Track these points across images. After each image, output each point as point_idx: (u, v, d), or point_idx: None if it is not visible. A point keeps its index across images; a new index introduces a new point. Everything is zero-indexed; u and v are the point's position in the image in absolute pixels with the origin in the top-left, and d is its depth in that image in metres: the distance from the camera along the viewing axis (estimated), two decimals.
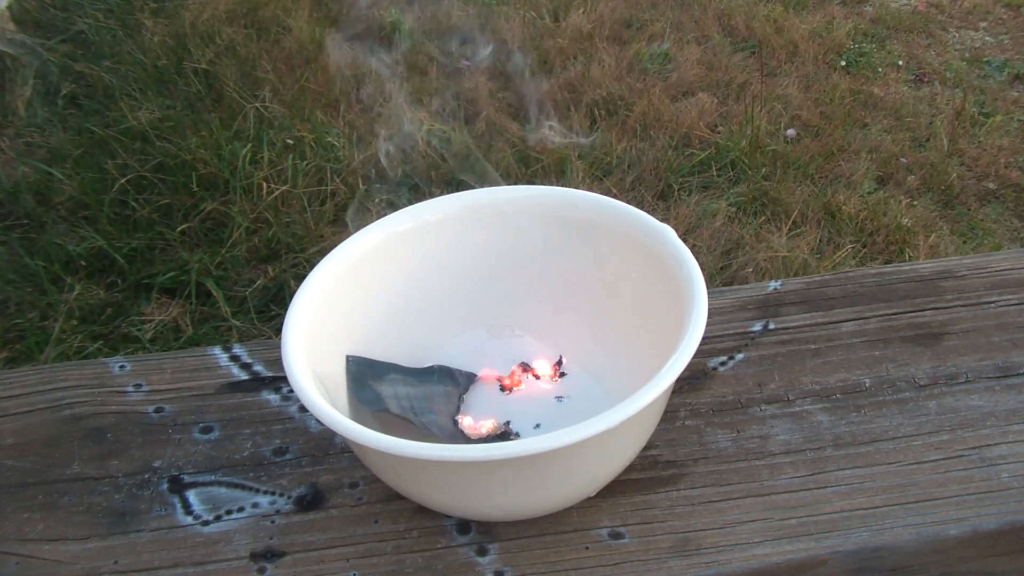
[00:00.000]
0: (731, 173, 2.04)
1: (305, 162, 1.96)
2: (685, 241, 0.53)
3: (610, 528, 0.48)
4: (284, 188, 1.89)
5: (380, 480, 0.49)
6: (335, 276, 0.53)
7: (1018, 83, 2.41)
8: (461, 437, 0.52)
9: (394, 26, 2.47)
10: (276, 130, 2.07)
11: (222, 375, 0.58)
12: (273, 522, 0.49)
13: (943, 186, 2.02)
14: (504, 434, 0.53)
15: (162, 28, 2.49)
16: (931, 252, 1.80)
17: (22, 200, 1.91)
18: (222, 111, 2.15)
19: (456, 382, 0.56)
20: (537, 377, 0.57)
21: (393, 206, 0.58)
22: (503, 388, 0.56)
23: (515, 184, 0.59)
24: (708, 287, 0.49)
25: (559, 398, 0.56)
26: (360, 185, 1.90)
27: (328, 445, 0.53)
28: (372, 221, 0.56)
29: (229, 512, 0.50)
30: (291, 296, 0.51)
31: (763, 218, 1.90)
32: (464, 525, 0.49)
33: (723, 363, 0.58)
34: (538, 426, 0.54)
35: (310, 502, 0.50)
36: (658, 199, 1.97)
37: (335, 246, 0.54)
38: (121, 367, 0.59)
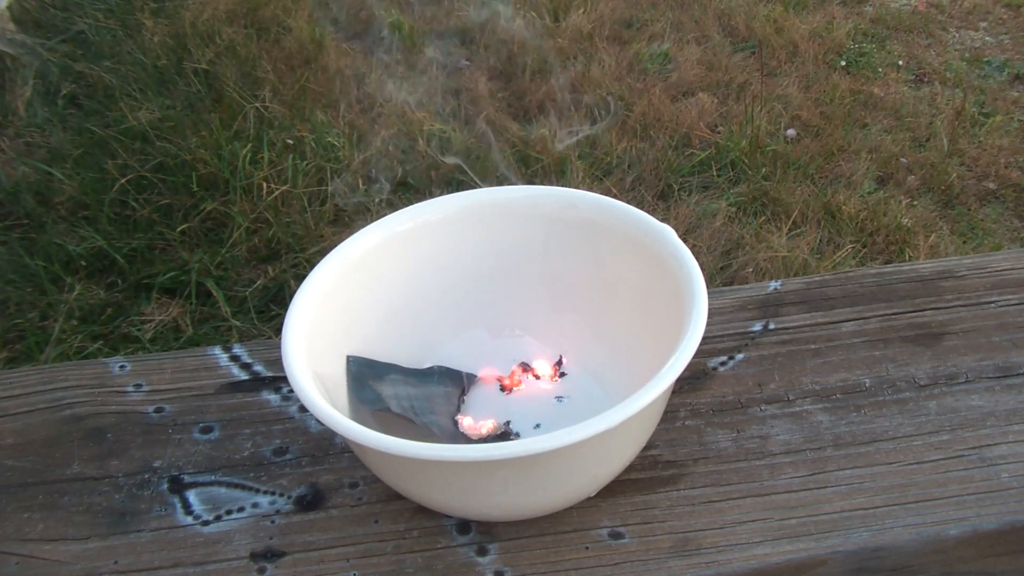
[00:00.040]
0: (731, 173, 2.04)
1: (305, 162, 1.96)
2: (685, 241, 0.53)
3: (610, 528, 0.48)
4: (284, 188, 1.89)
5: (380, 480, 0.50)
6: (335, 276, 0.53)
7: (1018, 83, 2.41)
8: (461, 437, 0.52)
9: (394, 26, 2.47)
10: (276, 130, 2.07)
11: (222, 375, 0.58)
12: (273, 522, 0.49)
13: (943, 186, 2.02)
14: (504, 434, 0.53)
15: (162, 28, 2.49)
16: (931, 252, 1.80)
17: (22, 200, 1.91)
18: (222, 111, 2.15)
19: (456, 382, 0.56)
20: (537, 377, 0.57)
21: (392, 206, 0.58)
22: (503, 388, 0.56)
23: (515, 184, 0.59)
24: (708, 287, 0.49)
25: (559, 398, 0.56)
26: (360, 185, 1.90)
27: (328, 445, 0.53)
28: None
29: (229, 512, 0.50)
30: (291, 296, 0.51)
31: (763, 218, 1.90)
32: (464, 525, 0.49)
33: (723, 363, 0.58)
34: (538, 426, 0.54)
35: (310, 502, 0.50)
36: (658, 199, 1.97)
37: (335, 246, 0.54)
38: (121, 367, 0.59)
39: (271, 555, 0.47)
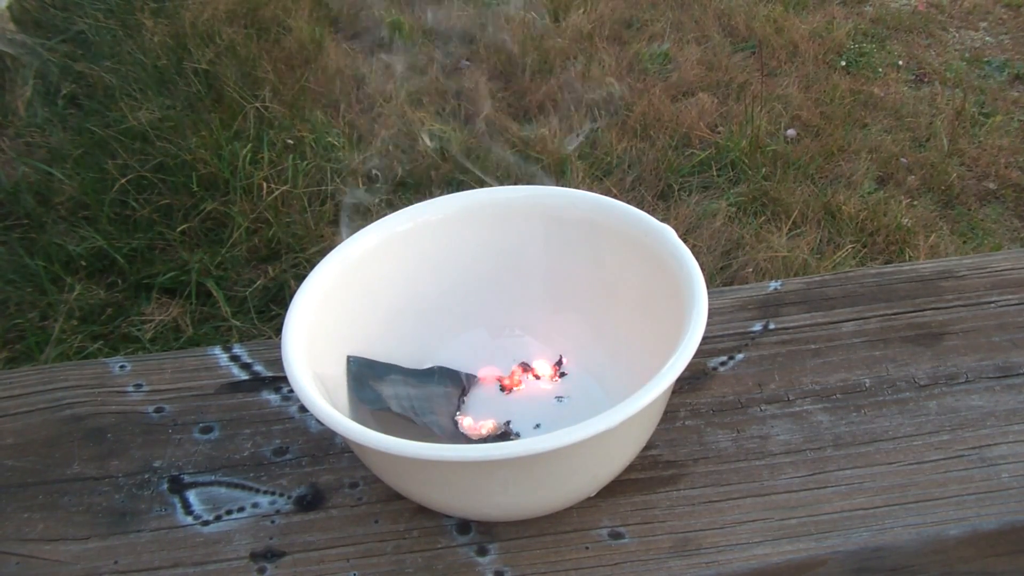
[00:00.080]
0: (731, 173, 2.04)
1: (305, 162, 1.96)
2: (685, 241, 0.53)
3: (610, 528, 0.48)
4: (284, 188, 1.89)
5: (380, 480, 0.49)
6: (335, 276, 0.53)
7: (1018, 83, 2.41)
8: (461, 437, 0.52)
9: (394, 26, 2.47)
10: (276, 130, 2.07)
11: (222, 375, 0.58)
12: (273, 522, 0.49)
13: (943, 186, 2.02)
14: (504, 434, 0.53)
15: (162, 28, 2.49)
16: (931, 252, 1.80)
17: (22, 200, 1.91)
18: (222, 111, 2.15)
19: (456, 382, 0.56)
20: (537, 377, 0.57)
21: (392, 206, 0.58)
22: (503, 388, 0.56)
23: (515, 184, 0.59)
24: (708, 287, 0.48)
25: (559, 398, 0.56)
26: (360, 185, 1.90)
27: (328, 445, 0.53)
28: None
29: (229, 512, 0.50)
30: (291, 296, 0.51)
31: (763, 218, 1.90)
32: (464, 525, 0.49)
33: (723, 363, 0.58)
34: (538, 426, 0.54)
35: (310, 502, 0.50)
36: (658, 199, 1.97)
37: (335, 246, 0.54)
38: (121, 367, 0.59)
39: (271, 555, 0.47)
